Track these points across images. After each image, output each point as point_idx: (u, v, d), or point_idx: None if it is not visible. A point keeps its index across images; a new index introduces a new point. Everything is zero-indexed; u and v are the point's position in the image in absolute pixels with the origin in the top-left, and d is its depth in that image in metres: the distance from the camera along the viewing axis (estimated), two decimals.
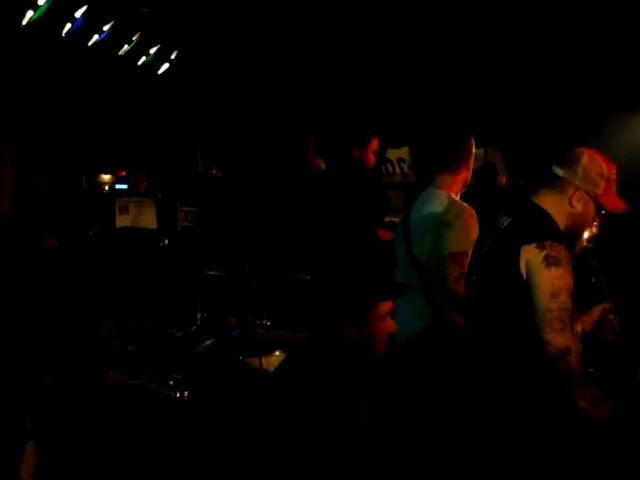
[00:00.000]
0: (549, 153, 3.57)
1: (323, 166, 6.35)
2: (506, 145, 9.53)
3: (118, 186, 9.18)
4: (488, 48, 8.25)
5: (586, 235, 3.61)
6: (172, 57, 8.42)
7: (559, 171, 3.35)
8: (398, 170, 10.61)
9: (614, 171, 3.39)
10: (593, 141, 3.67)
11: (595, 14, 7.51)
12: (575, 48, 7.92)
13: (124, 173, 9.23)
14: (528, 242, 3.19)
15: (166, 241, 7.58)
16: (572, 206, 3.32)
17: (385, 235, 5.53)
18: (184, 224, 9.42)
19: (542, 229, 3.24)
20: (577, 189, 3.32)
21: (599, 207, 3.37)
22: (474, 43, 8.23)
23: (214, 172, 9.82)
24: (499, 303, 3.29)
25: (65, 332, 4.25)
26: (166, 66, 8.45)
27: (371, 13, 7.92)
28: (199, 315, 5.16)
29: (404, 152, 10.23)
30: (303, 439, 2.61)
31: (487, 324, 3.35)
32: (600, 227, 4.03)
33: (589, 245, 4.29)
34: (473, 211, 4.07)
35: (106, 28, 7.39)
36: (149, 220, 9.02)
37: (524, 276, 3.19)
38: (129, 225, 8.81)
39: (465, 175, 4.27)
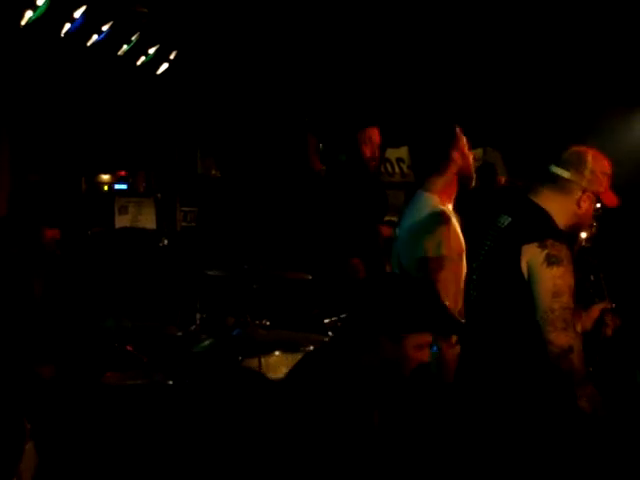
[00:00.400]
0: (549, 153, 3.57)
1: (323, 166, 6.36)
2: (505, 145, 9.53)
3: (117, 186, 9.16)
4: (487, 48, 8.25)
5: (584, 235, 3.62)
6: (171, 57, 8.41)
7: (565, 173, 3.37)
8: (397, 170, 10.60)
9: (610, 166, 3.44)
10: (593, 141, 3.67)
11: (595, 14, 7.51)
12: (575, 48, 7.92)
13: (123, 173, 9.21)
14: (529, 241, 3.20)
15: (165, 241, 7.58)
16: (579, 207, 3.36)
17: (387, 232, 5.53)
18: (183, 224, 9.41)
19: (543, 228, 3.25)
20: (585, 191, 3.36)
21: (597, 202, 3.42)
22: (473, 42, 8.23)
23: (213, 172, 9.80)
24: (500, 302, 3.29)
25: (66, 329, 4.25)
26: (165, 66, 8.44)
27: (369, 12, 7.91)
28: (198, 315, 5.16)
29: (403, 152, 10.21)
30: (312, 439, 2.60)
31: (487, 323, 3.35)
32: (598, 227, 4.03)
33: (587, 245, 4.28)
34: (453, 217, 3.94)
35: (105, 28, 7.38)
36: (148, 220, 9.01)
37: (525, 275, 3.19)
38: (128, 225, 8.80)
39: (455, 176, 3.94)
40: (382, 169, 9.98)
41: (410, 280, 3.07)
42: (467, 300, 3.51)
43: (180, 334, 4.78)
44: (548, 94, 8.42)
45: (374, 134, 6.11)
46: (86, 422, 4.02)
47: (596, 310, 3.61)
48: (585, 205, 3.37)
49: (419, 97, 8.71)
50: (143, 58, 8.13)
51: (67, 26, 7.09)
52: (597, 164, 3.38)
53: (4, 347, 4.10)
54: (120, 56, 7.87)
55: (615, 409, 3.32)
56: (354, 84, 8.80)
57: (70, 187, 8.68)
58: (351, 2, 7.92)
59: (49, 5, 6.75)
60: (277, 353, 4.41)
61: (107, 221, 8.71)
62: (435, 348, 3.40)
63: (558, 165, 3.41)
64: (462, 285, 3.57)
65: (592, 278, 3.61)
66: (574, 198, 3.36)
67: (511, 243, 3.25)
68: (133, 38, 7.81)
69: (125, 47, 7.83)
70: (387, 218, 6.23)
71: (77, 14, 7.07)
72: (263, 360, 4.31)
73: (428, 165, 4.06)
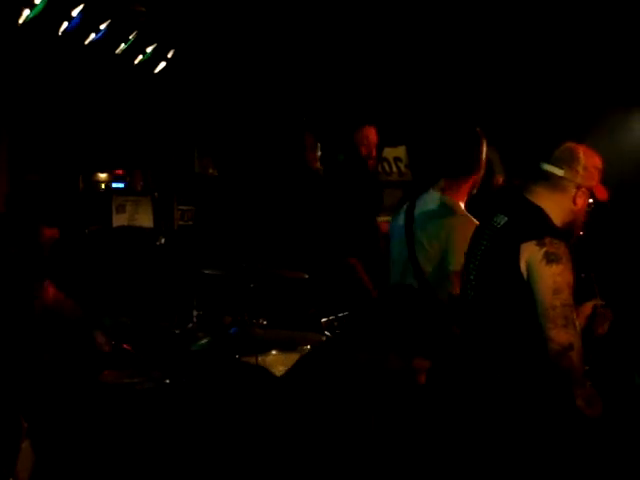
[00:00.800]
0: (547, 152, 3.58)
1: (320, 165, 6.36)
2: (504, 144, 9.52)
3: (115, 185, 9.14)
4: (486, 47, 8.25)
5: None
6: (169, 56, 8.40)
7: (558, 171, 3.39)
8: (395, 169, 10.59)
9: (601, 161, 3.47)
10: (593, 141, 3.68)
11: (595, 13, 7.51)
12: (574, 47, 7.91)
13: (121, 172, 9.20)
14: (527, 240, 3.21)
15: (163, 240, 7.58)
16: (575, 203, 3.39)
17: (386, 228, 5.53)
18: (180, 223, 9.40)
19: (540, 226, 3.26)
20: (579, 187, 3.38)
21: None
22: (472, 41, 8.22)
23: (211, 171, 9.80)
24: (499, 302, 3.29)
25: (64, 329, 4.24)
26: (163, 65, 8.44)
27: (368, 11, 7.91)
28: (195, 313, 5.16)
29: (401, 151, 10.20)
30: (311, 439, 2.60)
31: (486, 323, 3.35)
32: (593, 224, 4.03)
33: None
34: (476, 224, 3.95)
35: (103, 27, 7.37)
36: (145, 219, 8.99)
37: (524, 274, 3.20)
38: (126, 224, 8.79)
39: (475, 179, 4.11)
40: (379, 168, 9.97)
41: (430, 306, 3.05)
42: (464, 301, 3.51)
43: (177, 332, 4.78)
44: (547, 94, 8.41)
45: (371, 133, 6.12)
46: (83, 420, 4.01)
47: (588, 307, 3.60)
48: (581, 201, 3.40)
49: (417, 97, 8.71)
50: (140, 57, 8.12)
51: (65, 25, 7.08)
52: (589, 160, 3.42)
53: (2, 347, 4.10)
54: (118, 55, 7.86)
55: (612, 409, 3.32)
56: (352, 84, 8.80)
57: (67, 186, 8.67)
58: (349, 2, 7.92)
59: (47, 3, 6.74)
60: (274, 352, 4.41)
61: (104, 220, 8.69)
62: None
63: (550, 163, 3.42)
64: None
65: (582, 276, 3.60)
66: (569, 195, 3.39)
67: (509, 242, 3.25)
68: (131, 37, 7.81)
69: (123, 46, 7.82)
70: (383, 218, 6.24)
71: (75, 13, 7.06)
72: (260, 359, 4.31)
73: (455, 167, 4.05)
